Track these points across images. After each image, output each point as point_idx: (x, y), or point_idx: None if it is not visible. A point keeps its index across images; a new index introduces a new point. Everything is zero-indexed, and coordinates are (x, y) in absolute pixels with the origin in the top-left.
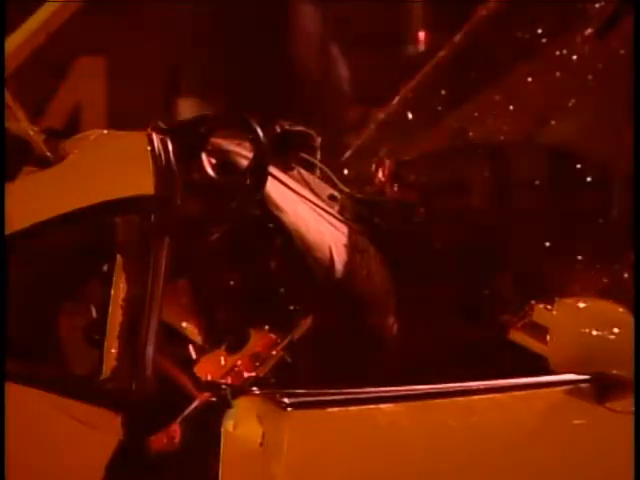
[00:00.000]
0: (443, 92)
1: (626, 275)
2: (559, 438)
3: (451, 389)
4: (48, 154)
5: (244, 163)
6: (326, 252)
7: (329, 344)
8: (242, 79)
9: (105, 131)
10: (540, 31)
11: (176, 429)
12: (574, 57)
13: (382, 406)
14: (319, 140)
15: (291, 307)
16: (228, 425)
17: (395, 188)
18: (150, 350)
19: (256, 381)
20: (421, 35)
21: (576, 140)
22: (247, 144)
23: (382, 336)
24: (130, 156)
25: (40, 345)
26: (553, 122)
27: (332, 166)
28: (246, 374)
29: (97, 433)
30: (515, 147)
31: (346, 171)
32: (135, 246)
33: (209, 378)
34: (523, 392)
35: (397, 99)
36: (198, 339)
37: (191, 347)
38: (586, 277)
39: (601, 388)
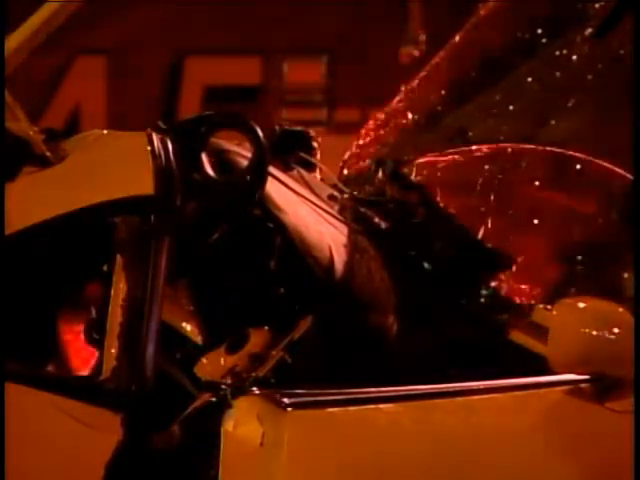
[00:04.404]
0: (443, 92)
1: (626, 275)
2: (559, 438)
3: (451, 389)
4: (48, 154)
5: (244, 163)
6: (326, 252)
7: (329, 344)
8: None
9: (105, 131)
10: (540, 31)
11: (176, 429)
12: (574, 57)
13: (382, 406)
14: (319, 140)
15: (291, 307)
16: (228, 425)
17: (395, 188)
18: (150, 350)
19: (256, 381)
20: (421, 35)
21: (576, 140)
22: (247, 144)
23: (382, 336)
24: (130, 156)
25: (40, 345)
26: (553, 122)
27: (332, 166)
28: (246, 374)
29: (97, 433)
30: (515, 147)
31: (346, 171)
32: (135, 246)
33: (209, 378)
34: (523, 392)
35: (397, 99)
36: (198, 339)
37: (191, 347)
38: (586, 277)
39: (601, 388)
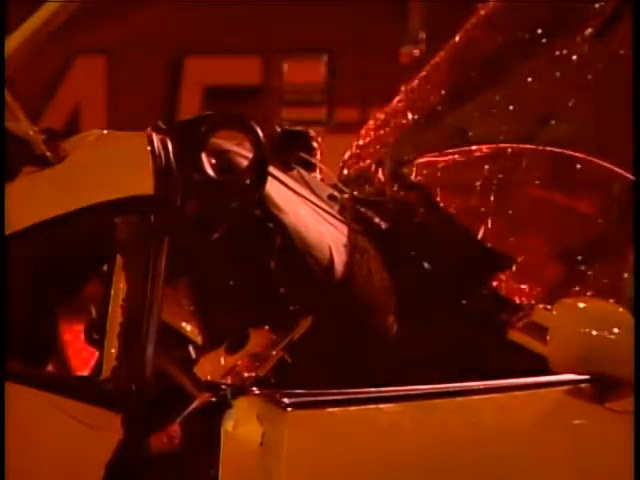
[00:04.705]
0: (443, 92)
1: (626, 275)
2: (559, 438)
3: (451, 389)
4: (48, 154)
5: (244, 163)
6: (326, 252)
7: (329, 344)
8: None
9: (105, 131)
10: (540, 31)
11: (176, 429)
12: (574, 57)
13: (382, 406)
14: (319, 140)
15: (291, 307)
16: (228, 425)
17: (395, 188)
18: (150, 350)
19: (256, 381)
20: (421, 35)
21: (576, 140)
22: (247, 144)
23: (382, 336)
24: (130, 156)
25: (40, 345)
26: (553, 122)
27: (332, 166)
28: (246, 374)
29: (97, 433)
30: (515, 147)
31: (346, 171)
32: (135, 246)
33: (209, 378)
34: (523, 392)
35: (397, 99)
36: (198, 339)
37: (191, 347)
38: (586, 277)
39: (601, 388)
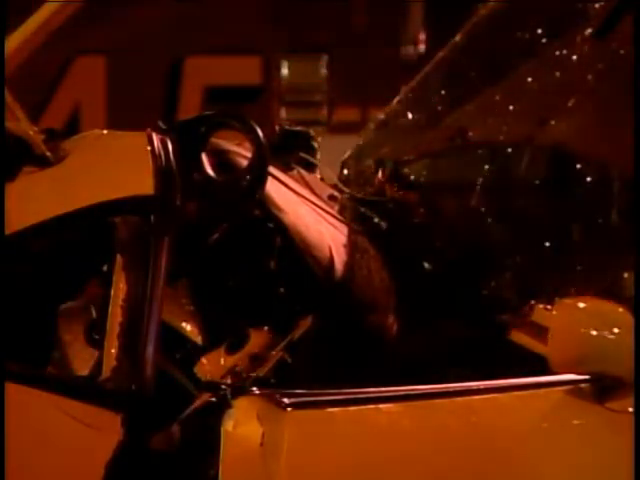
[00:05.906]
0: (443, 92)
1: (626, 275)
2: (559, 438)
3: (451, 389)
4: (48, 154)
5: (244, 163)
6: (326, 252)
7: (329, 344)
8: None
9: (105, 131)
10: (540, 31)
11: (176, 429)
12: (574, 57)
13: (382, 406)
14: (319, 140)
15: (291, 307)
16: (228, 425)
17: (395, 188)
18: (150, 350)
19: (256, 381)
20: (421, 35)
21: (576, 140)
22: (247, 144)
23: (382, 336)
24: (130, 156)
25: (40, 345)
26: (553, 122)
27: (332, 166)
28: (246, 374)
29: (97, 433)
30: (515, 147)
31: (346, 171)
32: (135, 246)
33: (209, 378)
34: (523, 392)
35: (397, 99)
36: (198, 339)
37: (191, 347)
38: (586, 277)
39: (601, 388)
